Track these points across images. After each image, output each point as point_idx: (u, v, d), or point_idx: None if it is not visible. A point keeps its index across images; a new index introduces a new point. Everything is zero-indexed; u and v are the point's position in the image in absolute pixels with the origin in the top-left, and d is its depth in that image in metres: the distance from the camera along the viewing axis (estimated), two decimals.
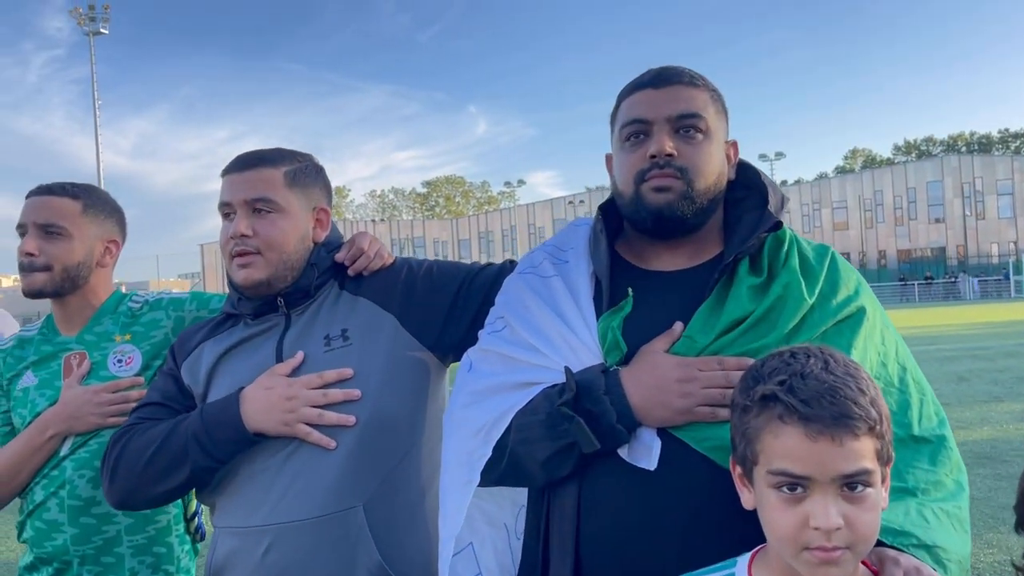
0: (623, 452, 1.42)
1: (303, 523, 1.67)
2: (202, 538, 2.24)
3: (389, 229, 75.95)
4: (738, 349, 1.43)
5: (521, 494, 1.70)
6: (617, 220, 1.67)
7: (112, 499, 1.79)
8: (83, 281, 2.14)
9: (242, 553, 1.70)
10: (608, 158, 1.69)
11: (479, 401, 1.55)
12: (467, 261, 2.03)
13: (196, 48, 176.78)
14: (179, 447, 1.70)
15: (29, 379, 2.12)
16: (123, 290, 2.28)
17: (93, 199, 2.17)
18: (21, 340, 2.20)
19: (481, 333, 1.68)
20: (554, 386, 1.48)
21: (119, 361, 2.11)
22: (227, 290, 1.96)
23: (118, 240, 2.24)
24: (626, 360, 1.47)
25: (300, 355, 1.76)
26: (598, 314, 1.52)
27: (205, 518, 2.07)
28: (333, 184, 1.97)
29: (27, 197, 2.13)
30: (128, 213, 2.32)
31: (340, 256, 1.89)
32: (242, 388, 1.74)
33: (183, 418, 1.75)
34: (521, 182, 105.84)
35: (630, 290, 1.51)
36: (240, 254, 1.75)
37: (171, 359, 1.93)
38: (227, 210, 1.79)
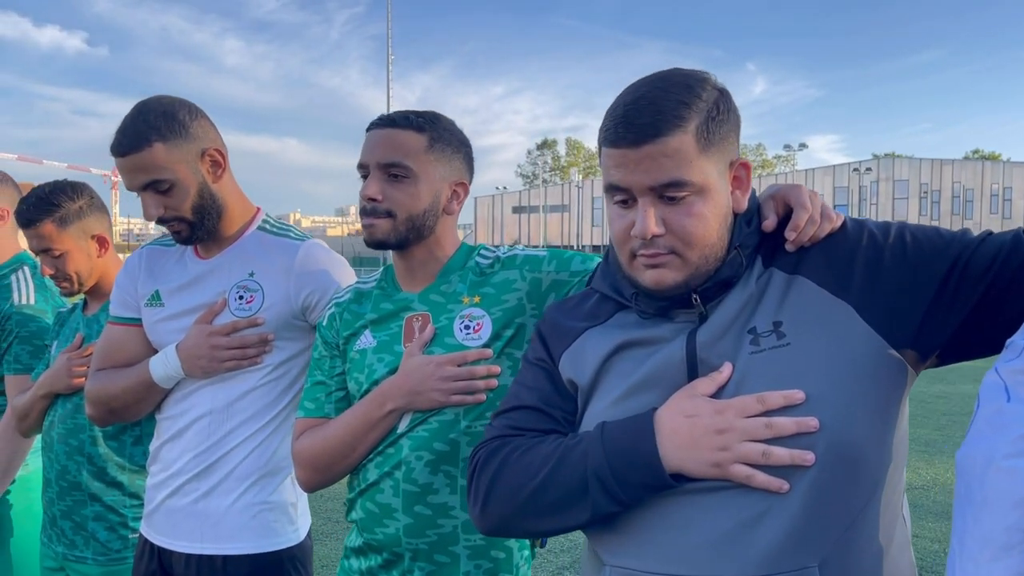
0: None
1: None
2: (543, 545, 1.89)
3: None
4: None
5: None
6: None
7: (483, 525, 1.43)
8: (428, 232, 1.81)
9: None
10: None
11: None
12: None
13: (482, 4, 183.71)
14: (576, 483, 1.30)
15: (367, 340, 1.83)
16: None
17: (440, 131, 1.82)
18: (358, 293, 1.92)
19: (1012, 341, 1.12)
20: None
21: (466, 327, 1.76)
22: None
23: (465, 182, 1.89)
24: None
25: (728, 368, 1.28)
26: None
27: None
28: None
29: (367, 130, 1.82)
30: None
31: (769, 224, 1.37)
32: (654, 410, 1.30)
33: (575, 441, 1.34)
34: (803, 146, 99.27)
35: None
36: (649, 255, 1.30)
37: (541, 346, 1.51)
38: (621, 195, 1.30)
